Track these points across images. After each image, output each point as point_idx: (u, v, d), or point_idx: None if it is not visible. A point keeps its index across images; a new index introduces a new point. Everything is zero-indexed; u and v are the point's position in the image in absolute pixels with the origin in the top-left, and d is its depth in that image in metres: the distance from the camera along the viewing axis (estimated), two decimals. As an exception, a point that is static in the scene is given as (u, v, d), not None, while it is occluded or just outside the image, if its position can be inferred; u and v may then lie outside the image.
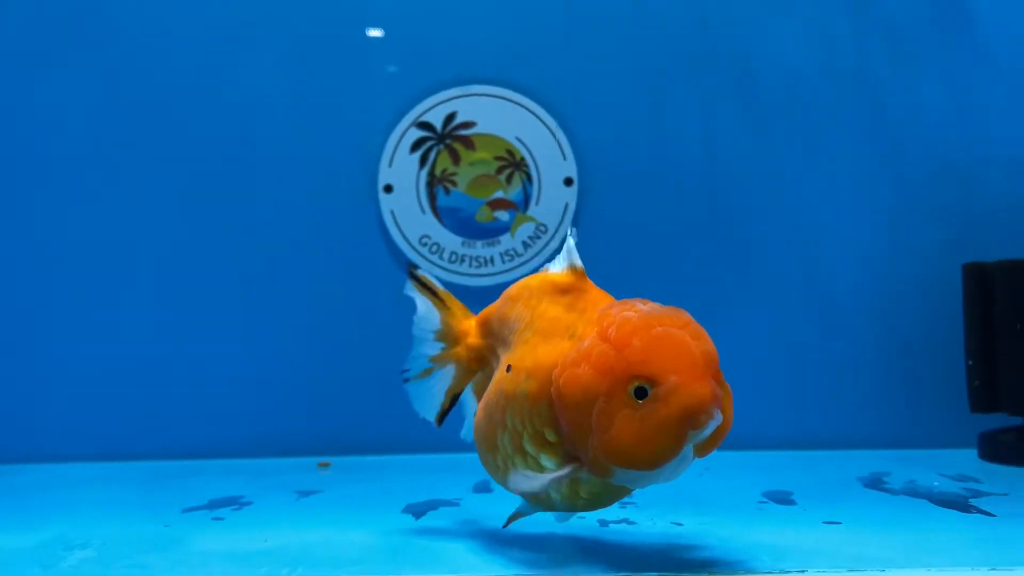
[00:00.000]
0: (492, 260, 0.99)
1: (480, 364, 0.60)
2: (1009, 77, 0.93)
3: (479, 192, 1.00)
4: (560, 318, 0.52)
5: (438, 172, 0.99)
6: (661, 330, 0.47)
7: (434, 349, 0.63)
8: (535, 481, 0.51)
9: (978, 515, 0.62)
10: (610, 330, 0.48)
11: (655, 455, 0.47)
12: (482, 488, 0.76)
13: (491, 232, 0.99)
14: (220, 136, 0.98)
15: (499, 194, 1.00)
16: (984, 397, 0.85)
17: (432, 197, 0.99)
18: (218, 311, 0.97)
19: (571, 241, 0.55)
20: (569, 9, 0.99)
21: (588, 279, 0.54)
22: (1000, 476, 0.78)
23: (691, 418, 0.46)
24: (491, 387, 0.55)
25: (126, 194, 0.98)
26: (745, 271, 0.97)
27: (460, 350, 0.61)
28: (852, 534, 0.58)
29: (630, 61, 0.98)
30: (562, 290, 0.54)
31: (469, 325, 0.62)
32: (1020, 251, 0.87)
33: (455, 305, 0.63)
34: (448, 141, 0.99)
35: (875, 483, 0.74)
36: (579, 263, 0.54)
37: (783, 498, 0.69)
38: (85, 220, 0.97)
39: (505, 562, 0.53)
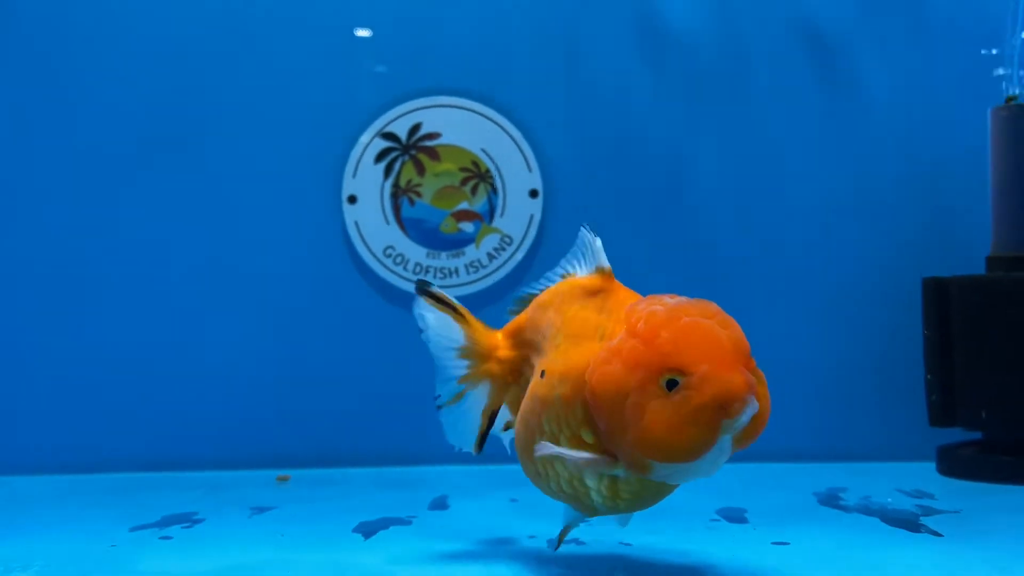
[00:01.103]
0: (457, 271, 0.99)
1: (515, 377, 0.59)
2: (971, 92, 0.94)
3: (444, 203, 0.99)
4: (589, 320, 0.53)
5: (403, 183, 0.99)
6: (689, 320, 0.48)
7: (461, 367, 0.61)
8: (570, 462, 0.50)
9: (926, 535, 0.63)
10: (638, 325, 0.49)
11: (690, 446, 0.46)
12: (438, 505, 0.75)
13: (456, 243, 0.99)
14: (185, 145, 0.97)
15: (464, 205, 0.99)
16: (942, 411, 0.85)
17: (397, 208, 0.99)
18: (179, 322, 0.96)
19: (598, 242, 0.55)
20: (535, 21, 0.98)
21: (616, 279, 0.55)
22: (956, 492, 0.78)
23: (724, 406, 0.46)
24: (527, 395, 0.55)
25: (93, 202, 0.97)
26: (709, 283, 0.97)
27: (492, 366, 0.59)
28: (798, 556, 0.58)
29: (596, 73, 0.98)
30: (591, 292, 0.54)
31: (495, 338, 0.60)
32: (978, 267, 0.88)
33: (475, 320, 0.61)
34: (413, 152, 0.99)
35: (830, 499, 0.74)
36: (606, 264, 0.55)
37: (736, 516, 0.69)
38: (43, 230, 0.96)
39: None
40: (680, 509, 0.71)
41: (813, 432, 0.94)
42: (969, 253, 0.90)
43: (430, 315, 0.61)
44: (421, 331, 0.62)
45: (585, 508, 0.53)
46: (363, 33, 0.98)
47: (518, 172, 0.99)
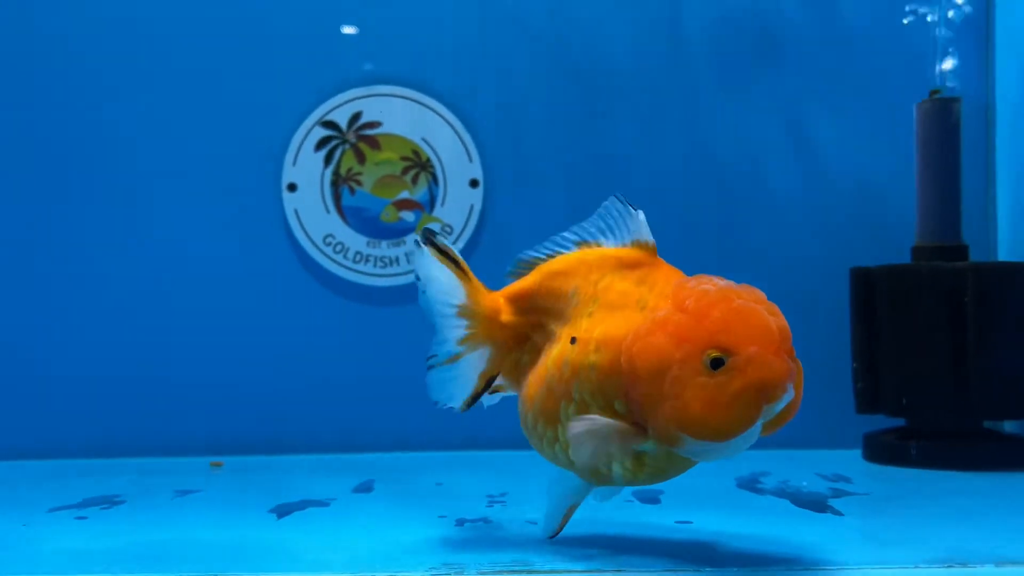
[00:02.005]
0: (397, 260, 0.99)
1: (517, 343, 0.57)
2: (890, 92, 0.95)
3: (384, 192, 1.00)
4: (630, 292, 0.52)
5: (343, 171, 0.99)
6: (741, 303, 0.48)
7: (460, 328, 0.58)
8: (600, 434, 0.50)
9: (828, 514, 0.64)
10: (687, 301, 0.49)
11: (728, 425, 0.47)
12: (363, 489, 0.76)
13: (396, 232, 1.00)
14: (124, 133, 0.97)
15: (404, 194, 1.00)
16: (867, 398, 0.87)
17: (337, 196, 0.99)
18: (117, 309, 0.96)
19: (641, 215, 0.55)
20: (475, 11, 0.99)
21: (658, 256, 0.54)
22: (874, 476, 0.80)
23: (767, 390, 0.46)
24: (549, 360, 0.54)
25: (31, 196, 0.97)
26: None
27: (495, 330, 0.57)
28: (691, 532, 0.59)
29: (536, 64, 0.98)
30: (630, 265, 0.54)
31: (497, 301, 0.58)
32: (905, 257, 0.89)
33: (476, 280, 0.59)
34: (353, 141, 0.99)
35: (750, 483, 0.76)
36: (651, 238, 0.54)
37: (651, 497, 0.70)
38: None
39: (347, 560, 0.53)
40: (599, 490, 0.73)
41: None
42: (899, 244, 0.91)
43: (432, 268, 0.58)
44: (418, 282, 0.59)
45: (597, 479, 0.53)
46: (305, 22, 0.98)
47: (459, 162, 1.00)
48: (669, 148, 0.98)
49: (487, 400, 0.60)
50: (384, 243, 0.99)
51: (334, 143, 0.99)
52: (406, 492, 0.74)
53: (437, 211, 0.99)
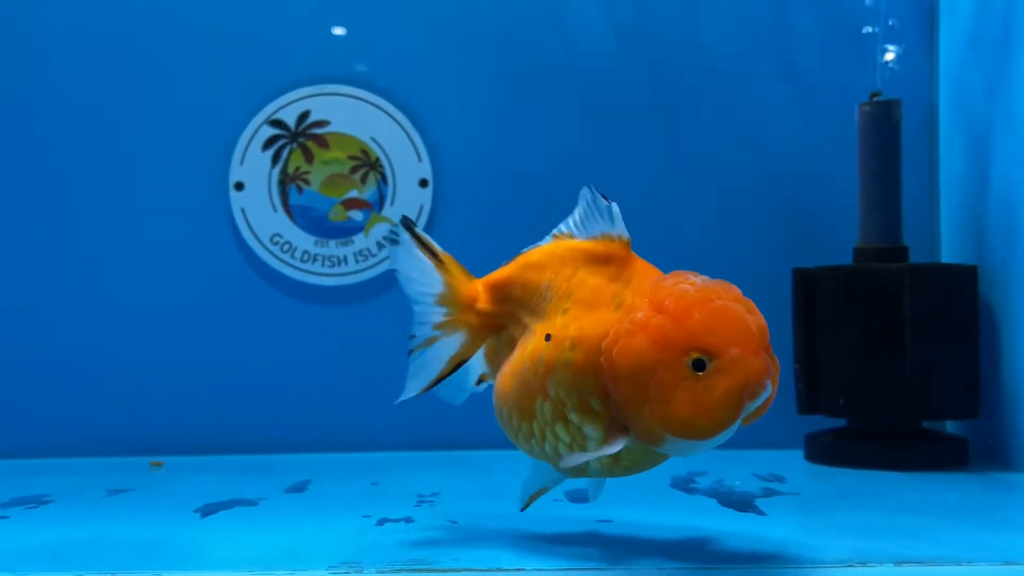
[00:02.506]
0: (345, 260, 0.99)
1: (494, 331, 0.58)
2: (840, 88, 0.95)
3: (332, 191, 1.00)
4: (604, 288, 0.53)
5: (291, 170, 0.99)
6: (721, 303, 0.48)
7: (438, 315, 0.59)
8: (585, 457, 0.51)
9: (751, 513, 0.64)
10: (667, 302, 0.49)
11: (714, 426, 0.48)
12: (296, 489, 0.76)
13: (344, 231, 0.99)
14: (72, 132, 0.96)
15: (353, 193, 1.00)
16: (808, 399, 0.87)
17: (284, 195, 0.99)
18: (64, 306, 0.96)
19: (615, 209, 0.55)
20: (427, 10, 0.99)
21: (631, 251, 0.55)
22: (810, 476, 0.80)
23: (750, 389, 0.47)
24: (523, 356, 0.54)
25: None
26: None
27: (471, 317, 0.59)
28: (606, 528, 0.59)
29: (487, 63, 0.98)
30: (602, 259, 0.54)
31: (475, 289, 0.59)
32: (846, 258, 0.89)
33: (456, 267, 0.60)
34: (301, 139, 0.99)
35: (684, 483, 0.76)
36: (625, 233, 0.54)
37: (580, 496, 0.70)
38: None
39: (251, 558, 0.53)
40: (592, 489, 0.73)
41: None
42: (843, 245, 0.92)
43: (409, 258, 0.60)
44: (396, 273, 0.60)
45: (574, 472, 0.54)
46: (254, 20, 0.98)
47: (408, 161, 1.00)
48: (617, 147, 0.98)
49: (473, 390, 0.62)
50: (332, 242, 0.99)
51: (282, 142, 0.99)
52: (339, 492, 0.74)
53: (386, 210, 0.99)
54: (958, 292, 0.83)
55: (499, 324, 0.58)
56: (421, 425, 0.98)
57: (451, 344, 0.59)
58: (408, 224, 0.59)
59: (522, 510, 0.57)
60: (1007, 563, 0.51)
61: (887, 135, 0.87)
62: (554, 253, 0.56)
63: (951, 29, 0.94)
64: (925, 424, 0.87)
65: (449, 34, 0.99)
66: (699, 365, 0.48)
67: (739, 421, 0.48)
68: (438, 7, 0.99)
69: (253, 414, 0.97)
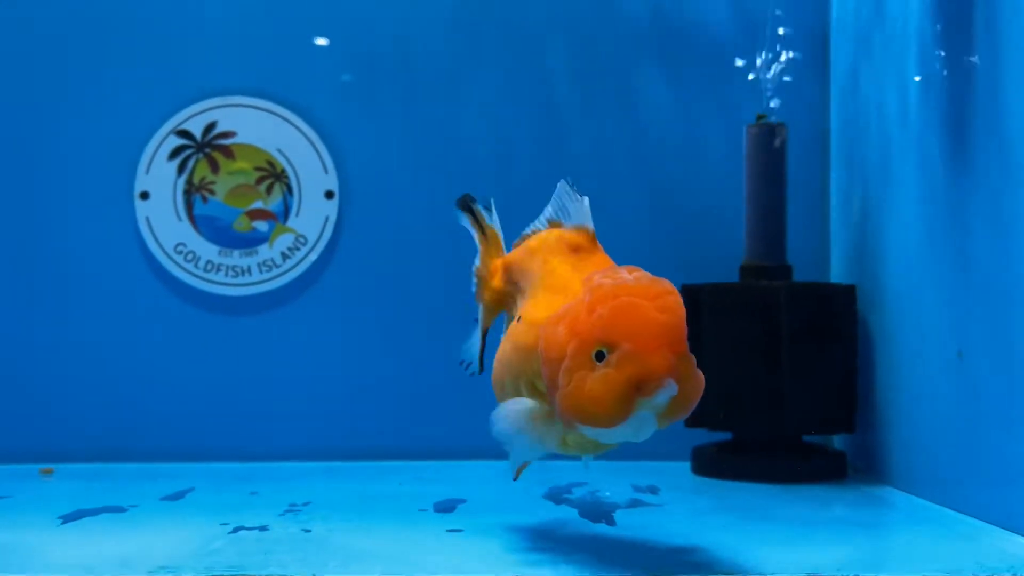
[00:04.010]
0: (249, 270, 1.00)
1: (501, 307, 0.64)
2: (723, 113, 0.97)
3: (238, 202, 1.01)
4: (566, 277, 0.56)
5: (196, 180, 1.00)
6: (626, 299, 0.50)
7: (473, 284, 0.67)
8: (516, 415, 0.54)
9: (601, 524, 0.66)
10: (587, 295, 0.51)
11: (605, 415, 0.49)
12: (174, 496, 0.76)
13: (249, 242, 1.00)
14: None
15: (258, 204, 1.01)
16: (692, 413, 0.89)
17: (189, 205, 1.00)
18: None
19: (586, 201, 0.58)
20: (331, 22, 1.00)
21: (597, 243, 0.58)
22: (685, 488, 0.82)
23: (639, 385, 0.48)
24: (506, 335, 0.60)
25: None
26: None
27: (486, 291, 0.65)
28: (451, 540, 0.60)
29: (394, 76, 1.00)
30: (573, 249, 0.58)
31: (496, 265, 0.65)
32: (731, 275, 0.91)
33: (494, 243, 0.66)
34: (207, 150, 1.00)
35: (558, 493, 0.77)
36: (591, 226, 0.58)
37: (450, 507, 0.71)
38: None
39: (72, 564, 0.53)
40: (402, 497, 0.75)
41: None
42: (732, 263, 0.94)
43: (469, 229, 0.67)
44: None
45: (541, 447, 0.57)
46: (161, 30, 0.99)
47: (314, 173, 1.01)
48: (516, 162, 0.99)
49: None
50: (236, 252, 1.00)
51: (188, 152, 1.00)
52: (213, 502, 0.75)
53: (291, 221, 1.00)
54: (836, 310, 0.86)
55: (507, 302, 0.64)
56: (320, 435, 0.99)
57: (481, 316, 0.66)
58: (467, 202, 0.67)
59: (515, 480, 0.60)
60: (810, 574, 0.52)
61: (772, 156, 0.89)
62: (544, 240, 0.60)
63: (841, 56, 0.96)
64: (809, 438, 0.90)
65: (356, 47, 1.00)
66: (600, 357, 0.50)
67: (648, 415, 0.49)
68: (344, 21, 1.00)
69: (151, 422, 0.97)
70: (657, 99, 0.99)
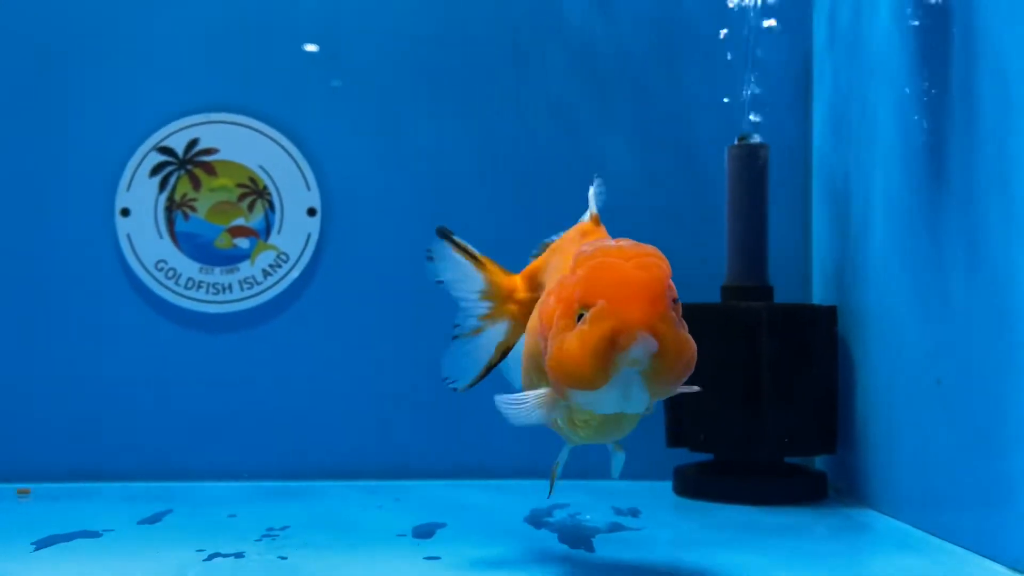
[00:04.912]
0: (230, 287, 0.99)
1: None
2: (708, 131, 0.97)
3: (219, 219, 1.00)
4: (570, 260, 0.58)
5: (177, 197, 0.99)
6: (602, 260, 0.51)
7: (482, 308, 0.66)
8: (522, 407, 0.54)
9: (579, 549, 0.66)
10: (573, 263, 0.53)
11: (583, 373, 0.49)
12: (151, 519, 0.76)
13: (230, 259, 0.99)
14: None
15: (240, 221, 1.00)
16: (674, 433, 0.89)
17: (170, 222, 0.99)
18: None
19: (591, 189, 0.62)
20: (315, 39, 0.99)
21: (602, 225, 0.61)
22: (666, 511, 0.81)
23: (613, 338, 0.48)
24: (527, 329, 0.61)
25: None
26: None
27: (512, 306, 0.65)
28: (427, 569, 0.60)
29: (377, 93, 0.99)
30: (583, 234, 0.60)
31: (514, 281, 0.66)
32: (713, 295, 0.91)
33: (493, 265, 0.67)
34: (189, 167, 0.99)
35: (539, 517, 0.77)
36: (595, 210, 0.61)
37: (429, 531, 0.71)
38: None
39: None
40: (380, 521, 0.75)
41: (570, 451, 0.96)
42: (714, 283, 0.94)
43: (451, 264, 0.66)
44: (439, 280, 0.66)
45: (568, 437, 0.58)
46: (144, 47, 0.98)
47: (296, 190, 1.00)
48: (502, 177, 0.99)
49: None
50: (217, 269, 0.99)
51: (169, 169, 0.99)
52: (190, 526, 0.74)
53: (273, 238, 1.00)
54: (816, 331, 0.86)
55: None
56: (301, 454, 0.99)
57: (497, 333, 0.65)
58: (446, 233, 0.66)
59: (548, 496, 0.62)
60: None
61: (754, 177, 0.89)
62: (566, 236, 0.63)
63: (823, 77, 0.97)
64: (790, 459, 0.90)
65: (338, 63, 1.00)
66: (579, 318, 0.50)
67: (630, 373, 0.49)
68: (328, 38, 1.00)
69: (130, 440, 0.96)
70: (638, 119, 0.99)
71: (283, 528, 0.71)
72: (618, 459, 0.63)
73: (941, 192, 0.71)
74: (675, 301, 0.52)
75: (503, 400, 0.55)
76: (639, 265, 0.50)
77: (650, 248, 0.52)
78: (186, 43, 0.99)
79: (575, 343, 0.49)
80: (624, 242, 0.53)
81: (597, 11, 1.00)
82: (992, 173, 0.64)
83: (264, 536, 0.68)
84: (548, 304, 0.53)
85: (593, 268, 0.50)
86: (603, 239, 0.55)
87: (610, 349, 0.48)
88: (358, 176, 1.00)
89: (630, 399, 0.50)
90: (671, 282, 0.53)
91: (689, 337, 0.52)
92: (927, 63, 0.73)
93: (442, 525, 0.73)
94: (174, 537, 0.70)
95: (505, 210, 0.99)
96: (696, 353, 0.53)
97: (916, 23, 0.74)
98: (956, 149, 0.68)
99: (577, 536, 0.69)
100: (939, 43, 0.71)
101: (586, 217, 0.62)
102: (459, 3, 1.00)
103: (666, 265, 0.52)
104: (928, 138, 0.73)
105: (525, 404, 0.54)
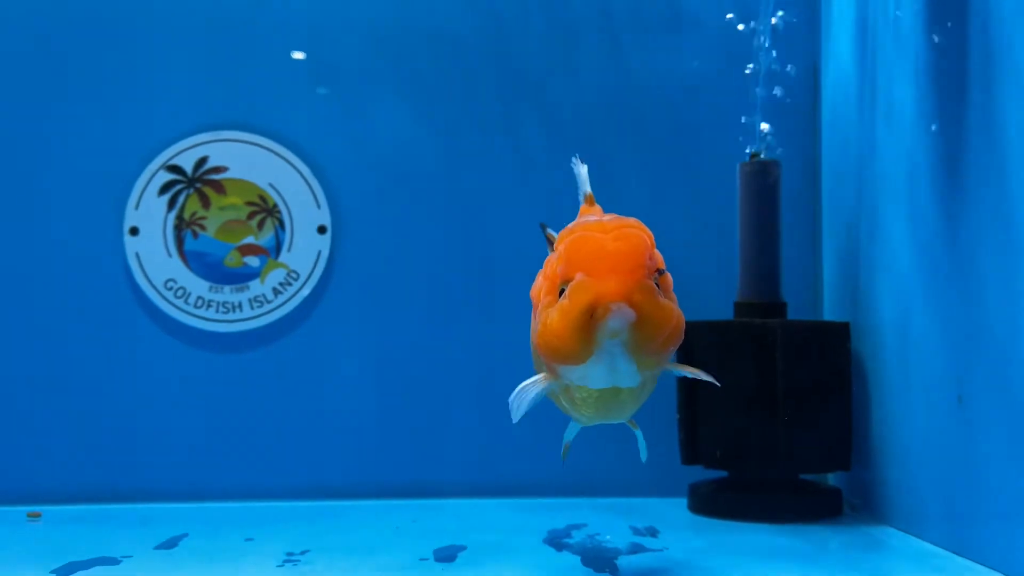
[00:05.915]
0: (240, 306, 0.99)
1: None
2: (723, 148, 0.96)
3: (229, 237, 0.99)
4: None
5: (187, 215, 0.99)
6: (582, 234, 0.51)
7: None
8: (522, 393, 0.54)
9: (604, 572, 0.65)
10: (559, 240, 0.53)
11: (566, 346, 0.49)
12: (167, 544, 0.75)
13: (240, 277, 0.99)
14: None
15: (250, 239, 1.00)
16: (689, 450, 0.89)
17: (180, 241, 0.99)
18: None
19: (583, 169, 0.61)
20: (323, 57, 0.99)
21: (596, 204, 0.61)
22: (684, 529, 0.81)
23: (590, 308, 0.48)
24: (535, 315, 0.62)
25: None
26: (489, 309, 0.98)
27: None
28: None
29: (386, 110, 0.99)
30: (582, 215, 0.60)
31: (537, 288, 0.66)
32: (725, 312, 0.92)
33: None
34: (198, 185, 0.99)
35: (558, 537, 0.76)
36: (588, 189, 0.61)
37: (450, 555, 0.70)
38: None
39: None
40: (401, 544, 0.74)
41: (584, 468, 0.93)
42: (726, 300, 0.94)
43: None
44: None
45: (577, 418, 0.58)
46: (152, 65, 0.98)
47: (306, 208, 1.00)
48: (515, 194, 0.99)
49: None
50: (227, 288, 0.99)
51: (178, 187, 0.99)
52: (208, 549, 0.73)
53: (283, 256, 0.99)
54: (830, 348, 0.86)
55: None
56: (318, 473, 0.98)
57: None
58: (542, 227, 0.66)
59: (563, 458, 0.64)
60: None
61: (765, 193, 0.90)
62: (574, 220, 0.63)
63: (833, 93, 0.97)
64: (804, 475, 0.90)
65: (348, 80, 0.99)
66: (562, 293, 0.51)
67: (613, 345, 0.49)
68: (337, 56, 1.00)
69: (142, 461, 0.96)
70: (648, 136, 1.00)
71: (303, 552, 0.71)
72: (640, 439, 0.64)
73: (957, 207, 0.70)
74: (660, 272, 0.52)
75: (511, 398, 0.55)
76: (618, 236, 0.51)
77: (631, 220, 0.53)
78: (195, 61, 0.99)
79: (556, 318, 0.50)
80: (607, 216, 0.53)
81: (608, 41, 1.00)
82: (1020, 184, 0.63)
83: (286, 561, 0.68)
84: (537, 284, 0.54)
85: (573, 242, 0.51)
86: (590, 215, 0.56)
87: (589, 322, 0.49)
88: (368, 194, 1.00)
89: (616, 371, 0.50)
90: (656, 252, 0.53)
91: (671, 305, 0.52)
92: (940, 76, 0.73)
93: (462, 548, 0.72)
94: (194, 563, 0.69)
95: (516, 226, 0.99)
96: (683, 321, 0.53)
97: (934, 36, 0.75)
98: (979, 159, 0.68)
99: (599, 558, 0.69)
100: (952, 55, 0.71)
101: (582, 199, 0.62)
102: (467, 28, 1.00)
103: (648, 236, 0.52)
104: (943, 150, 0.73)
105: (524, 390, 0.54)
